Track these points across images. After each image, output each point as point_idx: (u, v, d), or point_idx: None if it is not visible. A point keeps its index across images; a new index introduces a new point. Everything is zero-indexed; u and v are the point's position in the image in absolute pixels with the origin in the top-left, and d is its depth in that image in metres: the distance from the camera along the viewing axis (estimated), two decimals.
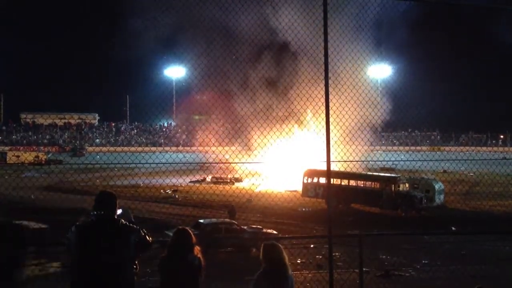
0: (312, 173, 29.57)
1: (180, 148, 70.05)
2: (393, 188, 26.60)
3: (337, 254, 14.54)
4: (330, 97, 6.76)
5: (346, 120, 10.83)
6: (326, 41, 6.62)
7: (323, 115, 6.74)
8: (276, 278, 4.72)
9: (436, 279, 11.38)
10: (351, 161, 13.73)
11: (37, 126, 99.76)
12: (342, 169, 26.84)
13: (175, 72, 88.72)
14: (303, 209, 26.48)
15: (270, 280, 4.71)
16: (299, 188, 31.14)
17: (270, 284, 4.71)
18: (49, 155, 63.22)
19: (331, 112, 6.79)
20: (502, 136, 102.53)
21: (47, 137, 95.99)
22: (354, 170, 26.83)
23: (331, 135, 6.68)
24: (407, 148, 65.75)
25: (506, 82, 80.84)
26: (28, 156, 57.22)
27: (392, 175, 29.95)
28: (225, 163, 32.08)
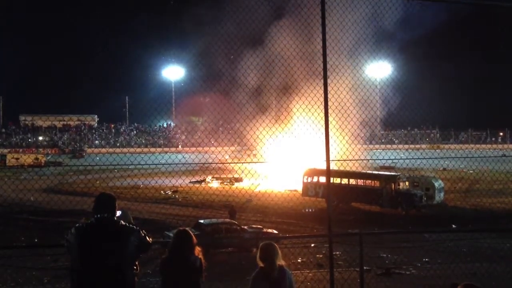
0: (312, 173, 29.57)
1: (180, 148, 70.04)
2: (393, 187, 26.60)
3: (337, 253, 14.54)
4: (329, 96, 6.76)
5: (345, 119, 10.83)
6: (324, 40, 6.61)
7: (322, 114, 6.74)
8: (272, 278, 4.73)
9: (437, 277, 11.36)
10: (350, 160, 13.74)
11: (36, 128, 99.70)
12: (342, 168, 26.87)
13: (173, 72, 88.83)
14: (307, 210, 26.24)
15: (267, 280, 4.72)
16: (299, 187, 31.15)
17: (267, 283, 4.71)
18: (48, 157, 63.19)
19: (330, 111, 6.79)
20: (501, 133, 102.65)
21: (47, 139, 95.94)
22: (353, 169, 26.84)
23: (331, 134, 6.68)
24: (406, 146, 65.75)
25: (505, 79, 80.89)
26: (27, 159, 57.14)
27: (392, 173, 29.98)
28: (224, 163, 32.11)
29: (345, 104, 10.04)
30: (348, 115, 10.69)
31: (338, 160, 15.59)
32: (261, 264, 4.79)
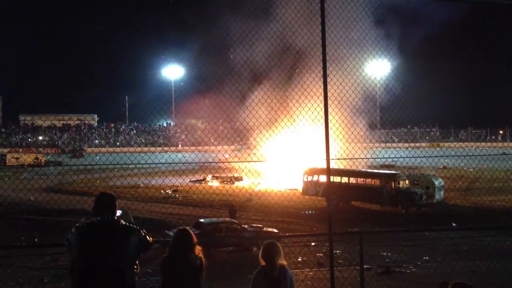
0: (312, 172, 29.58)
1: (180, 148, 70.04)
2: (393, 185, 26.60)
3: (338, 251, 14.55)
4: (329, 94, 6.75)
5: (345, 117, 10.82)
6: (324, 38, 6.61)
7: (322, 113, 6.73)
8: (272, 277, 4.74)
9: (437, 275, 11.38)
10: (350, 159, 13.74)
11: (36, 127, 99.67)
12: (342, 167, 26.81)
13: (173, 71, 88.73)
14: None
15: (267, 279, 4.73)
16: (299, 186, 31.14)
17: (267, 282, 4.72)
18: (48, 157, 63.14)
19: (330, 110, 6.79)
20: (501, 132, 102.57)
21: (46, 138, 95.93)
22: (354, 167, 26.80)
23: (330, 132, 6.67)
24: (406, 144, 65.73)
25: (505, 77, 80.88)
26: (27, 158, 57.14)
27: (392, 172, 29.97)
28: (224, 162, 32.08)
29: (344, 103, 10.03)
30: (348, 114, 10.69)
31: (338, 159, 15.59)
32: (262, 263, 4.81)
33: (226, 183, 37.30)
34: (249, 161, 26.58)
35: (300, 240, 16.37)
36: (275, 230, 18.60)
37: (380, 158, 19.88)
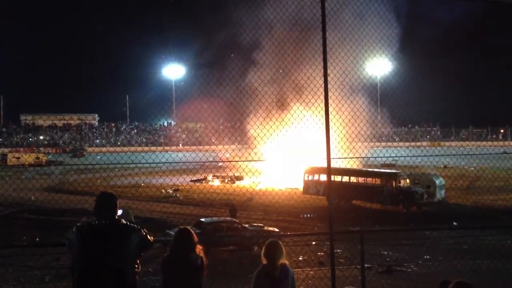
0: (313, 171, 29.57)
1: (180, 147, 70.06)
2: (394, 184, 26.58)
3: (338, 250, 14.54)
4: (330, 94, 6.75)
5: (346, 117, 10.81)
6: (324, 39, 6.61)
7: (323, 112, 6.73)
8: (273, 276, 4.75)
9: (438, 274, 11.38)
10: (351, 158, 13.74)
11: (37, 127, 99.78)
12: (343, 166, 26.78)
13: (174, 71, 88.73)
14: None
15: (269, 277, 4.74)
16: (300, 185, 31.13)
17: (269, 281, 4.73)
18: (49, 156, 63.17)
19: (330, 109, 6.78)
20: (502, 131, 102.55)
21: (47, 138, 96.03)
22: (354, 166, 26.78)
23: (331, 131, 6.67)
24: (407, 144, 65.71)
25: (506, 76, 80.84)
26: (28, 158, 57.19)
27: (393, 171, 29.95)
28: (225, 161, 32.08)
29: (345, 102, 10.02)
30: (349, 113, 10.68)
31: (339, 158, 15.57)
32: (264, 262, 4.83)
33: (227, 183, 37.31)
34: (249, 160, 26.57)
35: (301, 239, 16.38)
36: (276, 229, 18.59)
37: (381, 157, 19.85)
